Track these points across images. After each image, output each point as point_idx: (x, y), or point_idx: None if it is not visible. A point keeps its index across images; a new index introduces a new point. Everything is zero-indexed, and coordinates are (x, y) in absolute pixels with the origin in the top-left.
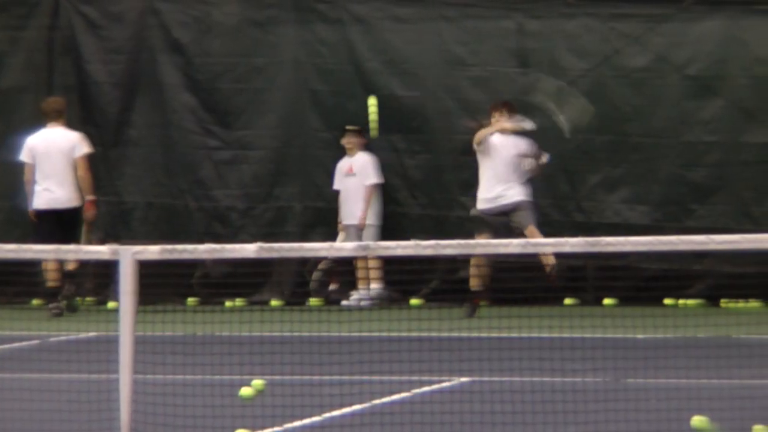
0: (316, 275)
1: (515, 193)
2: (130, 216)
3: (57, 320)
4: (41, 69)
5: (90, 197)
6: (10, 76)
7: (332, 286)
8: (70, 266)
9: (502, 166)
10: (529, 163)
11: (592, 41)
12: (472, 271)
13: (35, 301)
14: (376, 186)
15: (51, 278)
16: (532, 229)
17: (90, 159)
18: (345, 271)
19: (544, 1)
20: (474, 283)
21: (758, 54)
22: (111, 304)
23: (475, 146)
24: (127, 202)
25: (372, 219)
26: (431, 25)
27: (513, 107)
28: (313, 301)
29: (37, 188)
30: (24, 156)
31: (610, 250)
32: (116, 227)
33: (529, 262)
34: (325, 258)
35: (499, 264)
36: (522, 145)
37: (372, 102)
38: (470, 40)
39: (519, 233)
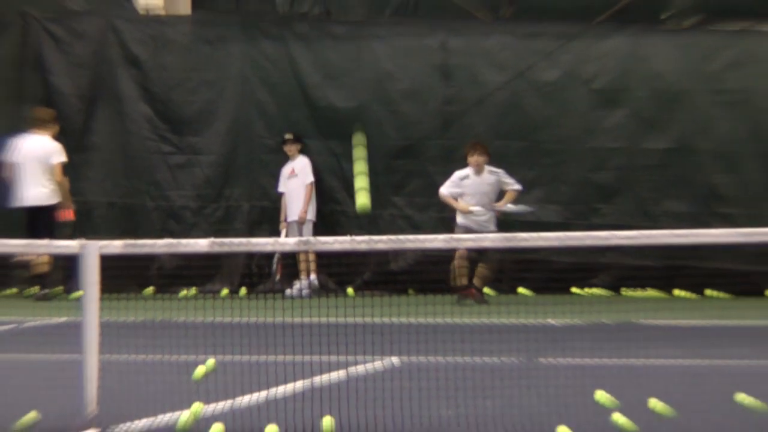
0: (274, 268)
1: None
2: (93, 214)
3: (33, 306)
4: (13, 82)
5: (68, 206)
6: None
7: (277, 277)
8: (40, 268)
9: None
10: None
11: (508, 57)
12: (458, 263)
13: (9, 291)
14: (313, 184)
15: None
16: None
17: (63, 168)
18: (288, 263)
19: (465, 21)
20: (458, 275)
21: (657, 69)
22: (79, 293)
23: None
24: (91, 201)
25: (310, 214)
26: (365, 42)
27: (485, 148)
28: (243, 291)
29: (17, 187)
30: (8, 156)
31: (525, 245)
32: (81, 224)
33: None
34: (274, 252)
35: (428, 257)
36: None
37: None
38: (399, 56)
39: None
